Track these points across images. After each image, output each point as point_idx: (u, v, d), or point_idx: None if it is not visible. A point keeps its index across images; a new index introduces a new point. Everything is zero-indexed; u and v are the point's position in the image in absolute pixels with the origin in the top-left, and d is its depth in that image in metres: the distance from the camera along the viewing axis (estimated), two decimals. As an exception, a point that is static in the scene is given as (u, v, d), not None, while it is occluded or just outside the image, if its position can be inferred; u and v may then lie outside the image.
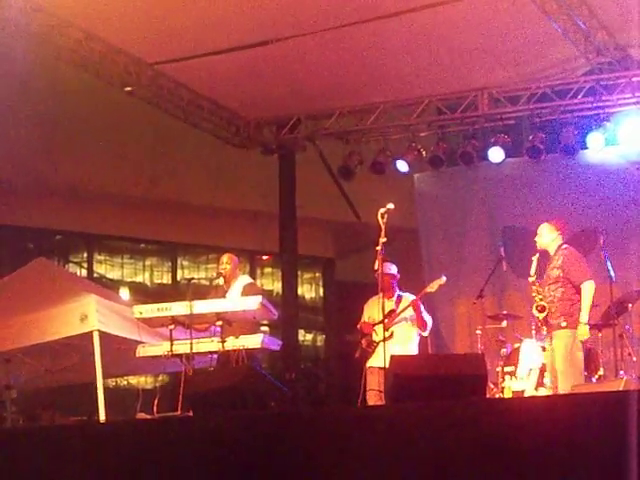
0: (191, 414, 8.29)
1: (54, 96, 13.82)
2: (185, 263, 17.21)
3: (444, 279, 10.48)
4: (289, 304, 14.88)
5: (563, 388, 9.41)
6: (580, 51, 12.31)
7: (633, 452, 5.14)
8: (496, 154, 13.36)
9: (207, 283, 15.60)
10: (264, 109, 14.09)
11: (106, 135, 14.60)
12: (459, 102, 13.52)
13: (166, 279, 17.09)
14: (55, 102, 13.95)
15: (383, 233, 9.12)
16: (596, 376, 10.88)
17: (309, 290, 18.66)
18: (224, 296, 10.28)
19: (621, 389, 9.49)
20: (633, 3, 10.96)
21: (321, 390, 18.42)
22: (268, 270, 18.06)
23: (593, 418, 5.43)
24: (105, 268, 16.55)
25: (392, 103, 13.71)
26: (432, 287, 10.51)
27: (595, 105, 12.82)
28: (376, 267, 9.68)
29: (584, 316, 9.52)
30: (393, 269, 10.49)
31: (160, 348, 9.93)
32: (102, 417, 10.57)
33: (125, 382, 15.52)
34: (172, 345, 9.74)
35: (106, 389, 11.13)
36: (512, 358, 11.34)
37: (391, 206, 9.10)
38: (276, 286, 17.05)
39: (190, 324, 9.69)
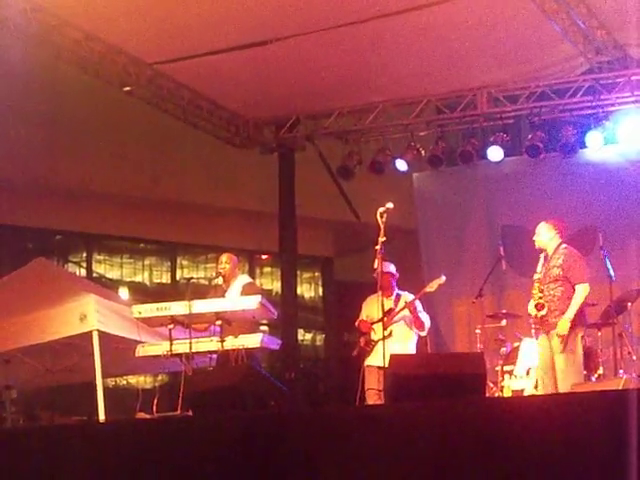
0: (190, 414, 8.29)
1: (54, 96, 13.84)
2: (184, 263, 17.22)
3: (443, 279, 10.49)
4: (288, 304, 14.87)
5: (563, 387, 9.42)
6: (579, 50, 12.31)
7: (633, 451, 5.14)
8: (495, 153, 13.36)
9: (206, 283, 15.60)
10: (263, 109, 14.09)
11: (105, 135, 14.61)
12: (458, 101, 13.52)
13: (165, 279, 17.10)
14: (55, 102, 13.97)
15: (382, 232, 9.13)
16: (595, 375, 10.89)
17: (308, 290, 18.67)
18: (223, 296, 10.29)
19: (620, 388, 9.51)
20: (632, 2, 10.96)
21: (321, 389, 18.44)
22: (267, 270, 18.07)
23: (593, 417, 5.43)
24: (104, 268, 16.56)
25: (391, 102, 13.71)
26: (431, 287, 10.51)
27: (594, 104, 12.81)
28: (375, 266, 9.69)
29: (570, 313, 9.53)
30: (392, 268, 10.50)
31: (159, 348, 9.93)
32: (102, 417, 10.57)
33: (125, 382, 15.52)
34: (171, 345, 9.74)
35: (106, 389, 11.13)
36: (511, 357, 11.35)
37: (390, 205, 9.11)
38: (275, 286, 17.06)
39: (189, 324, 9.70)
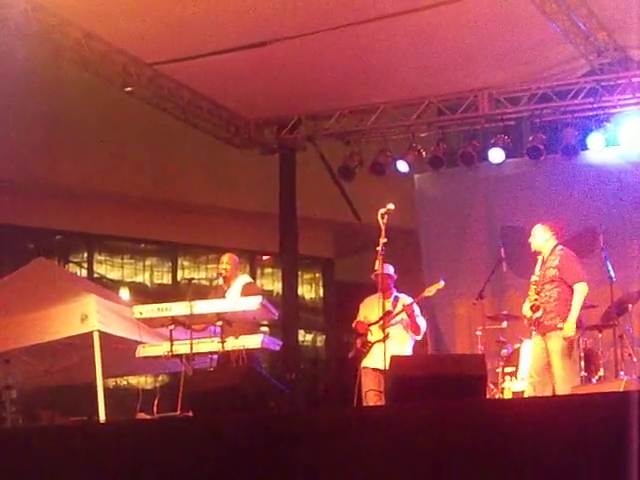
0: (191, 414, 8.28)
1: (54, 96, 13.85)
2: (185, 263, 17.22)
3: (442, 283, 10.49)
4: (289, 304, 14.87)
5: (561, 389, 9.40)
6: (580, 52, 12.31)
7: (634, 453, 5.14)
8: (496, 155, 13.36)
9: (207, 283, 15.62)
10: (264, 109, 14.09)
11: (106, 135, 14.62)
12: (459, 103, 13.51)
13: (166, 279, 17.10)
14: (55, 102, 13.98)
15: (383, 233, 9.12)
16: (596, 377, 10.88)
17: (309, 290, 18.68)
18: (223, 296, 10.28)
19: (621, 390, 9.50)
20: (633, 4, 10.95)
21: (321, 390, 18.43)
22: (268, 270, 18.08)
23: (593, 419, 5.42)
24: (105, 268, 16.56)
25: (392, 104, 13.70)
26: (430, 291, 10.51)
27: (595, 106, 12.81)
28: (376, 267, 9.69)
29: (573, 315, 9.53)
30: (390, 269, 10.48)
31: (160, 348, 9.92)
32: (102, 417, 10.57)
33: (125, 382, 15.52)
34: (172, 345, 9.74)
35: (106, 389, 11.13)
36: (512, 359, 11.34)
37: (391, 206, 9.10)
38: (276, 286, 17.06)
39: (190, 324, 9.69)
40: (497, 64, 12.76)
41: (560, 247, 9.87)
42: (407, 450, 5.71)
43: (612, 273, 10.98)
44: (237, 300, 10.03)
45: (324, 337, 18.68)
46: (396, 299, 10.50)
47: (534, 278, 9.78)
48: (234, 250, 11.22)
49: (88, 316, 10.75)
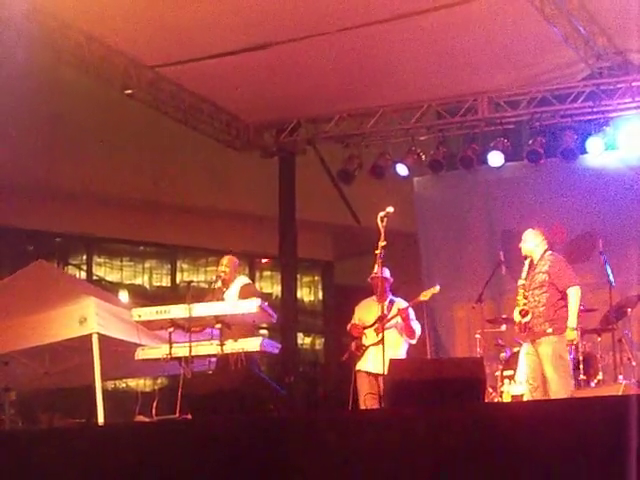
0: (190, 417, 8.28)
1: (55, 98, 13.86)
2: (184, 266, 17.23)
3: (437, 288, 10.52)
4: (288, 307, 14.87)
5: (556, 393, 9.38)
6: (580, 56, 12.32)
7: (633, 457, 5.14)
8: (496, 158, 13.36)
9: (206, 286, 15.61)
10: (264, 112, 14.09)
11: (106, 138, 14.62)
12: (459, 106, 13.52)
13: (165, 282, 17.10)
14: (56, 104, 13.98)
15: (382, 237, 9.12)
16: (595, 381, 10.89)
17: (308, 293, 18.68)
18: (222, 298, 10.28)
19: (620, 394, 9.50)
20: (633, 8, 10.96)
21: (320, 394, 18.42)
22: (267, 273, 18.08)
23: (592, 423, 5.43)
24: (104, 271, 16.57)
25: (392, 107, 13.71)
26: (425, 295, 10.52)
27: (595, 110, 12.82)
28: (375, 270, 9.69)
29: (572, 320, 9.50)
30: (386, 273, 10.48)
31: (159, 351, 9.91)
32: (101, 420, 10.57)
33: (124, 385, 15.52)
34: (171, 348, 9.72)
35: (105, 392, 11.13)
36: (511, 362, 11.34)
37: (391, 210, 9.11)
38: (275, 289, 17.07)
39: (189, 327, 9.69)
40: (497, 68, 12.77)
41: (550, 252, 9.87)
42: (406, 454, 5.71)
43: (611, 277, 11.00)
44: (236, 303, 10.02)
45: (323, 340, 18.67)
46: (391, 303, 10.50)
47: (521, 282, 9.77)
48: (233, 253, 11.22)
49: (87, 318, 10.74)
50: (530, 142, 13.27)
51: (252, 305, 9.69)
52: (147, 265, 16.99)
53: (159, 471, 6.23)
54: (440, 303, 13.24)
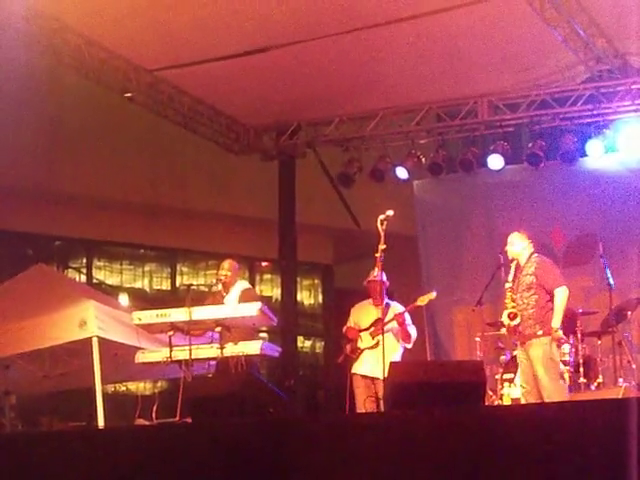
0: (190, 420, 8.28)
1: (55, 102, 13.87)
2: (184, 269, 17.21)
3: (434, 294, 10.56)
4: (288, 311, 14.87)
5: (548, 395, 9.38)
6: (580, 59, 12.32)
7: (633, 460, 5.14)
8: (495, 161, 13.36)
9: (206, 289, 15.59)
10: (264, 115, 14.09)
11: (106, 141, 14.63)
12: (459, 109, 13.52)
13: (165, 285, 17.09)
14: (56, 108, 14.00)
15: (382, 240, 9.12)
16: (595, 383, 10.88)
17: (308, 297, 18.66)
18: (222, 302, 10.29)
19: (620, 397, 9.51)
20: (633, 11, 10.97)
21: (320, 397, 18.41)
22: (267, 276, 18.07)
23: (593, 426, 5.43)
24: (104, 274, 16.55)
25: (392, 110, 13.71)
26: (422, 301, 10.54)
27: (595, 112, 12.81)
28: (375, 274, 9.70)
29: (556, 321, 9.52)
30: (383, 276, 10.47)
31: (159, 354, 9.91)
32: (101, 423, 10.56)
33: (124, 388, 15.49)
34: (171, 351, 9.73)
35: (105, 395, 11.12)
36: (511, 365, 11.33)
37: (390, 213, 9.11)
38: (275, 292, 17.06)
39: (189, 330, 9.69)
40: (496, 71, 12.77)
41: (536, 254, 9.89)
42: (406, 457, 5.71)
43: (611, 280, 11.01)
44: (236, 306, 10.02)
45: (323, 343, 18.66)
46: (387, 306, 10.50)
47: (508, 285, 9.78)
48: (233, 256, 11.22)
49: (87, 322, 10.75)
50: (530, 145, 13.25)
51: (252, 308, 9.70)
52: (147, 268, 16.98)
53: (159, 475, 6.23)
54: (440, 306, 13.23)
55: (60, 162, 14.53)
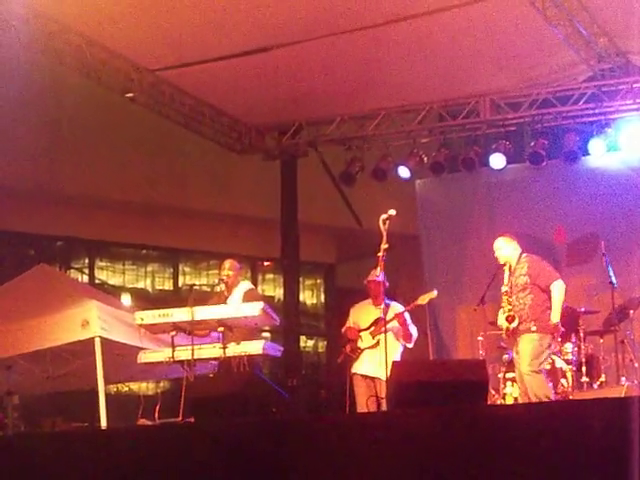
0: (192, 420, 8.28)
1: (56, 102, 13.87)
2: (187, 269, 17.22)
3: (435, 293, 10.54)
4: (290, 310, 14.87)
5: (534, 394, 9.37)
6: (581, 57, 12.32)
7: (635, 458, 5.14)
8: (498, 160, 13.36)
9: (208, 289, 15.60)
10: (266, 115, 14.10)
11: (108, 141, 14.63)
12: (461, 108, 13.51)
13: (168, 285, 17.09)
14: (57, 108, 14.00)
15: (384, 239, 9.11)
16: (598, 382, 10.88)
17: (310, 296, 18.66)
18: (225, 302, 10.28)
19: (623, 395, 9.50)
20: (634, 10, 10.96)
21: (322, 396, 18.40)
22: (269, 276, 18.06)
23: (595, 424, 5.42)
24: (107, 274, 16.56)
25: (394, 109, 13.71)
26: (423, 300, 10.52)
27: (596, 111, 12.82)
28: (377, 273, 9.69)
29: (555, 316, 9.52)
30: (381, 276, 10.46)
31: (161, 354, 9.91)
32: (103, 423, 10.57)
33: (126, 388, 15.50)
34: (173, 351, 9.73)
35: (107, 395, 11.13)
36: (513, 364, 11.32)
37: (393, 212, 9.10)
38: (277, 292, 17.06)
39: (192, 330, 9.69)
40: (498, 70, 12.76)
41: (525, 254, 9.90)
42: (409, 456, 5.70)
43: (613, 279, 11.00)
44: (238, 306, 10.02)
45: (325, 343, 18.65)
46: (387, 306, 10.48)
47: (504, 289, 9.79)
48: (235, 256, 11.22)
49: (89, 322, 10.75)
50: (532, 144, 13.25)
51: (255, 308, 9.69)
52: (149, 268, 16.99)
53: (162, 475, 6.23)
54: (442, 305, 13.22)
55: (62, 162, 14.54)
